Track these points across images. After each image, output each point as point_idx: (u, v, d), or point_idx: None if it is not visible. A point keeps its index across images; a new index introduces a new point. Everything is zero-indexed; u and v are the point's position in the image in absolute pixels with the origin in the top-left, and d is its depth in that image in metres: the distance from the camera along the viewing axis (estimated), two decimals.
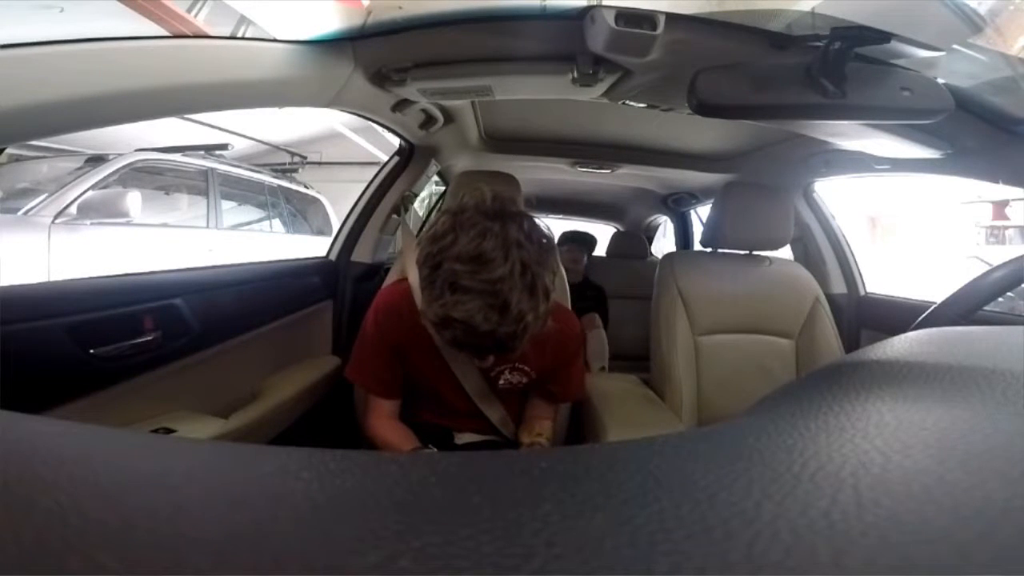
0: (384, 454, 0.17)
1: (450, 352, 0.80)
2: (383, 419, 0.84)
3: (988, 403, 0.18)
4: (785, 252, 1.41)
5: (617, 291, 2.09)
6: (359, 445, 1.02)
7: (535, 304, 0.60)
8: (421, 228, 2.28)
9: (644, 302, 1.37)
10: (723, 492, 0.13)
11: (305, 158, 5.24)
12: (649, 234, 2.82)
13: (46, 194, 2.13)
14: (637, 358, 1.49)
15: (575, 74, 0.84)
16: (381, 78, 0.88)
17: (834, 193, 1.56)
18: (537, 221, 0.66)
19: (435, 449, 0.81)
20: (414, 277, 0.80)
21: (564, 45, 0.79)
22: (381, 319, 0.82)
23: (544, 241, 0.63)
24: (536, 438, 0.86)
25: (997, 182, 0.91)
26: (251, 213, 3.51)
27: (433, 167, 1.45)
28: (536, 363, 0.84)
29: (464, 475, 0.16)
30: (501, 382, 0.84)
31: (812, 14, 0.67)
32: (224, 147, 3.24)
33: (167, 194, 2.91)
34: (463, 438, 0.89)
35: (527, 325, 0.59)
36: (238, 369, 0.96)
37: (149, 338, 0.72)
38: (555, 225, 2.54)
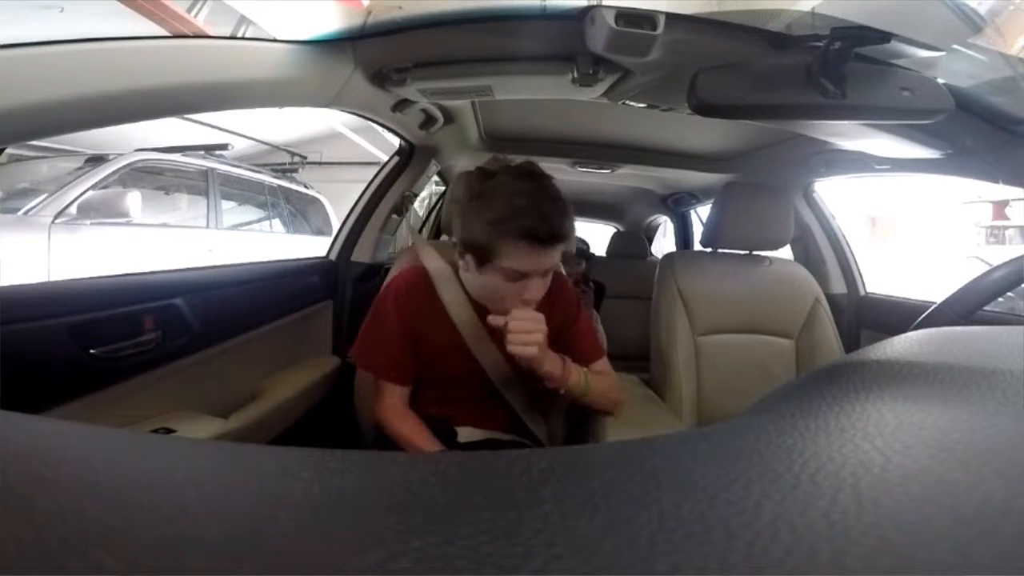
0: (385, 454, 0.17)
1: (471, 332, 0.81)
2: (399, 410, 0.83)
3: (988, 403, 0.18)
4: (785, 252, 1.41)
5: (617, 291, 2.09)
6: (359, 445, 1.02)
7: (568, 217, 0.73)
8: (422, 228, 2.29)
9: (644, 302, 1.37)
10: (723, 492, 0.13)
11: (305, 158, 5.24)
12: (649, 234, 2.82)
13: (46, 194, 2.13)
14: (637, 358, 1.49)
15: (575, 74, 0.84)
16: (381, 78, 0.88)
17: (834, 193, 1.56)
18: None
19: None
20: (433, 264, 0.85)
21: (564, 45, 0.79)
22: (401, 300, 0.82)
23: (557, 187, 0.75)
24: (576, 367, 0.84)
25: (997, 182, 0.92)
26: (251, 213, 3.51)
27: (433, 167, 1.45)
28: (547, 321, 0.85)
29: (464, 475, 0.16)
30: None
31: (812, 14, 0.67)
32: (224, 147, 3.24)
33: (167, 194, 2.91)
34: (468, 435, 0.89)
35: (568, 226, 0.72)
36: (238, 369, 0.96)
37: (149, 338, 0.72)
38: None
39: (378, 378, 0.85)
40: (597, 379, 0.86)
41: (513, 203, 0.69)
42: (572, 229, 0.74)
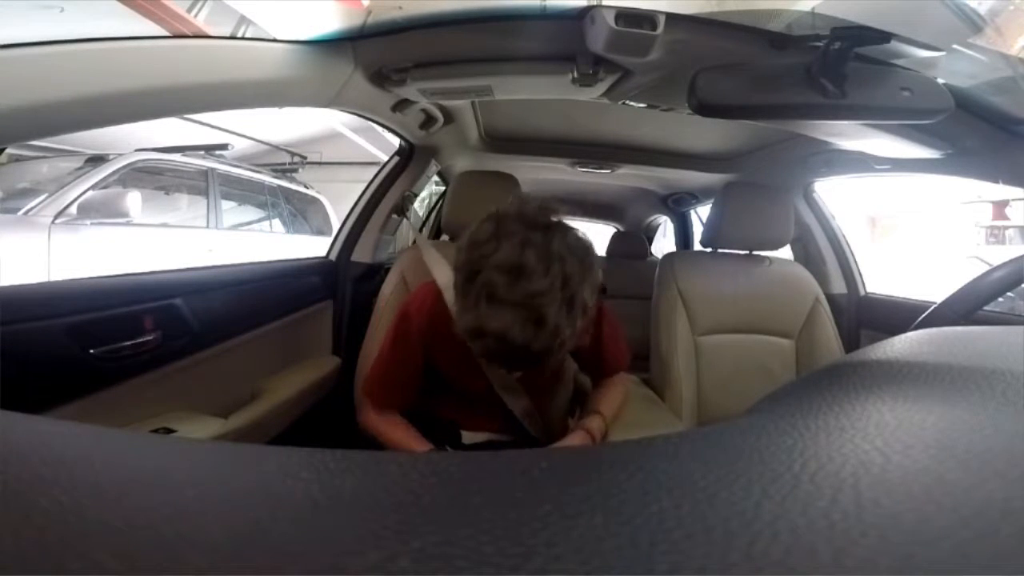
0: (384, 454, 0.17)
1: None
2: (386, 414, 0.84)
3: (988, 403, 0.18)
4: (785, 252, 1.41)
5: (617, 291, 2.09)
6: (359, 445, 1.01)
7: (572, 320, 0.58)
8: (422, 228, 2.29)
9: (644, 302, 1.37)
10: (723, 492, 0.13)
11: (305, 158, 5.24)
12: (649, 234, 2.82)
13: (46, 194, 2.13)
14: (637, 358, 1.49)
15: (575, 74, 0.84)
16: (381, 78, 0.88)
17: (834, 193, 1.56)
18: (579, 233, 0.64)
19: (450, 450, 0.80)
20: (442, 276, 0.83)
21: (564, 45, 0.79)
22: (412, 321, 0.81)
23: (586, 255, 0.62)
24: (592, 419, 0.84)
25: (997, 182, 0.91)
26: (251, 213, 3.51)
27: (433, 167, 1.45)
28: None
29: (464, 475, 0.16)
30: None
31: (812, 14, 0.67)
32: (224, 147, 3.24)
33: (167, 194, 2.90)
34: (470, 437, 0.89)
35: (563, 341, 0.58)
36: (238, 369, 0.96)
37: (149, 338, 0.72)
38: None
39: (375, 405, 0.85)
40: (611, 406, 0.89)
41: (481, 322, 0.57)
42: (560, 348, 0.59)
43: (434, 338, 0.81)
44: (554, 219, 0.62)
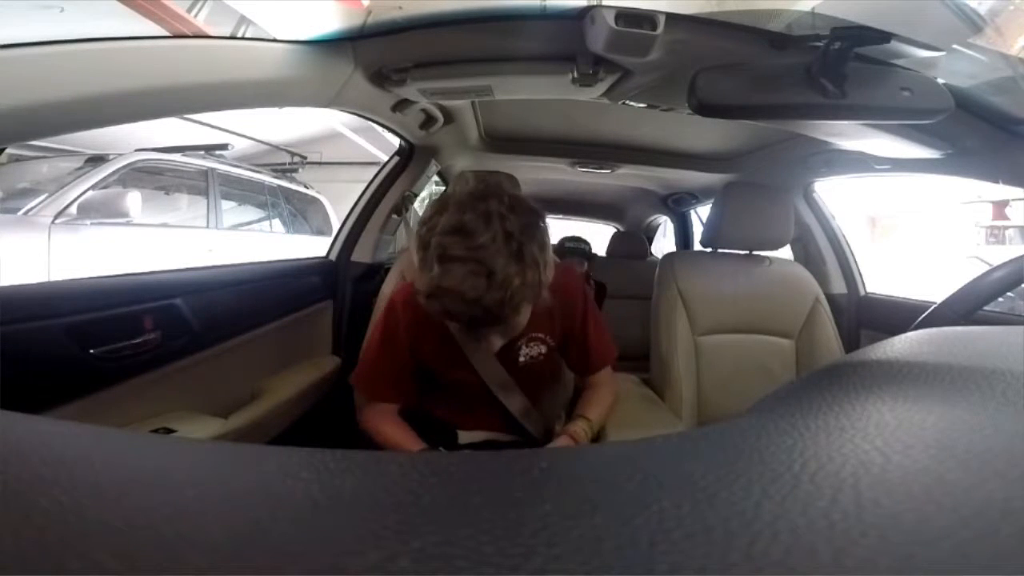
0: (384, 454, 0.17)
1: (467, 342, 0.81)
2: (384, 414, 0.84)
3: (988, 403, 0.18)
4: (785, 252, 1.41)
5: (617, 291, 2.09)
6: (359, 445, 1.02)
7: (522, 270, 0.61)
8: None
9: (644, 302, 1.37)
10: (723, 492, 0.13)
11: (305, 158, 5.23)
12: (649, 234, 2.82)
13: (46, 194, 2.13)
14: (637, 358, 1.49)
15: (575, 74, 0.84)
16: (381, 78, 0.88)
17: (834, 193, 1.56)
18: (523, 197, 0.68)
19: (443, 451, 0.80)
20: None
21: (564, 45, 0.79)
22: (399, 313, 0.83)
23: (530, 214, 0.65)
24: (576, 423, 0.84)
25: (997, 182, 0.91)
26: (251, 213, 3.51)
27: (433, 167, 1.45)
28: (547, 326, 0.84)
29: (464, 475, 0.16)
30: (522, 359, 0.84)
31: (812, 14, 0.67)
32: (224, 147, 3.24)
33: (167, 194, 2.90)
34: (468, 437, 0.89)
35: (514, 292, 0.61)
36: (238, 369, 0.96)
37: (149, 338, 0.72)
38: (555, 226, 2.54)
39: (370, 400, 0.86)
40: (598, 409, 0.88)
41: (436, 281, 0.60)
42: (512, 299, 0.61)
43: (418, 330, 0.82)
44: (495, 189, 0.66)
